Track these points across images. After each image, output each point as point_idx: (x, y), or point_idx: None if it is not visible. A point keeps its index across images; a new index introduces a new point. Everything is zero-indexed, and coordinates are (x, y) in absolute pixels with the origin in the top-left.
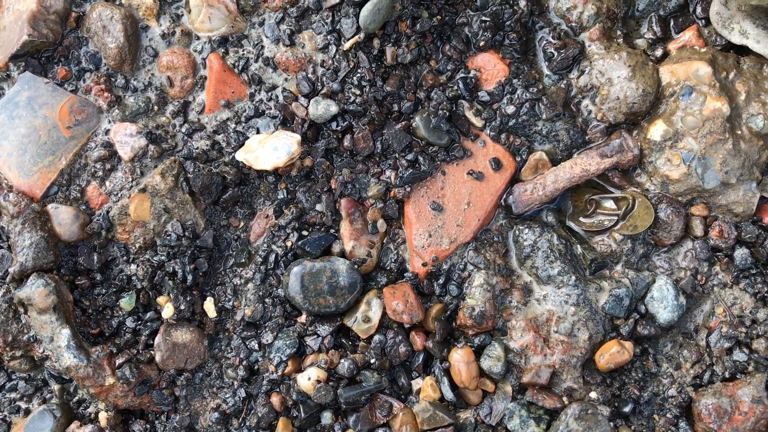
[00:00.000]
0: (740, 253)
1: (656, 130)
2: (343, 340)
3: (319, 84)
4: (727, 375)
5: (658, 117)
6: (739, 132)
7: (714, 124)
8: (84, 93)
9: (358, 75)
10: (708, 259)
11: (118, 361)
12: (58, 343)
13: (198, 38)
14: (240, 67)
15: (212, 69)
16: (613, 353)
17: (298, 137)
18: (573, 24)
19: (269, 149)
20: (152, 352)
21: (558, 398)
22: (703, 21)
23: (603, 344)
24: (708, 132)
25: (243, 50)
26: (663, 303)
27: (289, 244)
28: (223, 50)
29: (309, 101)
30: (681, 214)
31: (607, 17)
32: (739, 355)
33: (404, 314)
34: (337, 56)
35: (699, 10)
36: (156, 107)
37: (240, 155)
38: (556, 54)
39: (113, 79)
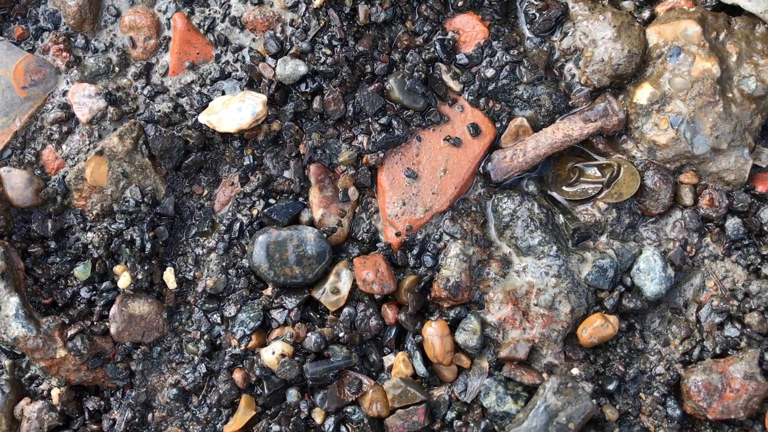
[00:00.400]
0: (732, 223)
1: (643, 94)
2: (311, 314)
3: (287, 44)
4: (718, 351)
5: (644, 80)
6: (730, 95)
7: (703, 85)
8: (42, 53)
9: (329, 34)
10: (698, 229)
11: (70, 333)
12: (5, 312)
13: None
14: (206, 28)
15: (176, 29)
16: (596, 327)
17: (263, 98)
18: None
19: (233, 110)
20: (107, 323)
21: (537, 374)
22: None
23: (586, 318)
24: (697, 94)
25: (209, 10)
26: (650, 275)
27: (254, 212)
28: (188, 10)
29: (277, 61)
30: (669, 182)
31: None
32: (731, 330)
33: (375, 284)
34: (307, 14)
35: None
36: (117, 69)
37: (203, 117)
38: (538, 15)
39: (73, 39)
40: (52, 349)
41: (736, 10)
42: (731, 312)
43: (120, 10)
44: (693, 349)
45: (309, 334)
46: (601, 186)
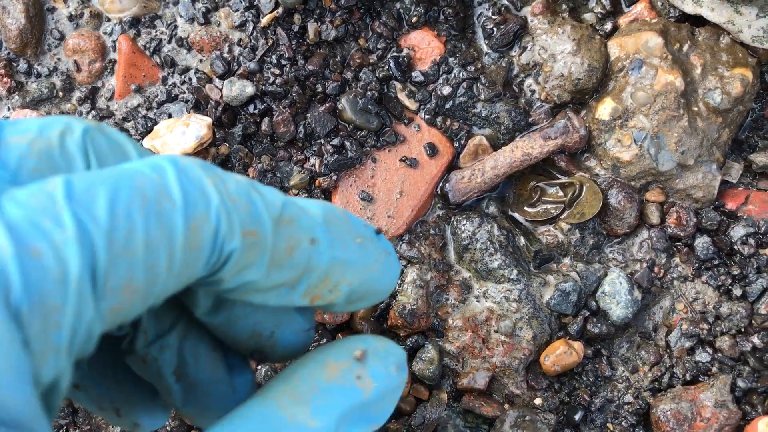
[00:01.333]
0: (701, 242)
1: (605, 109)
2: None
3: (235, 64)
4: (688, 377)
5: (606, 94)
6: (696, 108)
7: (667, 99)
8: None
9: (278, 53)
10: (666, 249)
11: None
12: None
13: (108, 20)
14: (152, 49)
15: (121, 51)
16: (559, 354)
17: (208, 120)
18: None
19: (177, 134)
20: None
21: (498, 405)
22: None
23: (549, 344)
24: (660, 108)
25: (155, 31)
26: (615, 298)
27: None
28: (134, 32)
29: (224, 83)
30: (634, 200)
31: None
32: (702, 355)
33: (326, 313)
34: (255, 33)
35: None
36: (61, 93)
37: (147, 142)
38: (495, 30)
39: (15, 64)
40: None
41: (700, 21)
42: (702, 336)
43: (64, 33)
44: (663, 376)
45: None
46: (563, 206)
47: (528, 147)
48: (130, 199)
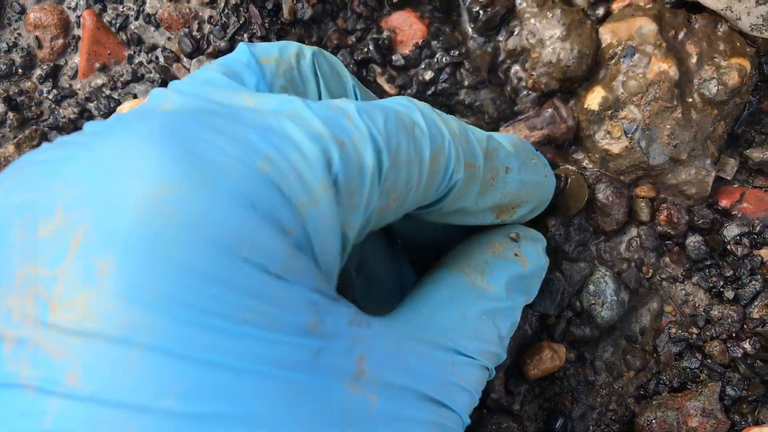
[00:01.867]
0: (693, 241)
1: (594, 98)
2: None
3: (204, 42)
4: (675, 384)
5: (596, 83)
6: (690, 99)
7: (660, 89)
8: None
9: (250, 32)
10: (655, 248)
11: None
12: None
13: None
14: (118, 26)
15: (86, 27)
16: (541, 357)
17: None
18: None
19: None
20: None
21: (476, 409)
22: None
23: (530, 347)
24: (653, 98)
25: (122, 6)
26: (601, 299)
27: None
28: (99, 7)
29: (192, 62)
30: (624, 196)
31: None
32: (691, 361)
33: None
34: (226, 11)
35: None
36: (21, 70)
37: None
38: (482, 13)
39: None
40: None
41: (697, 8)
42: (691, 341)
43: (25, 6)
44: (648, 382)
45: None
46: None
47: None
48: (397, 123)
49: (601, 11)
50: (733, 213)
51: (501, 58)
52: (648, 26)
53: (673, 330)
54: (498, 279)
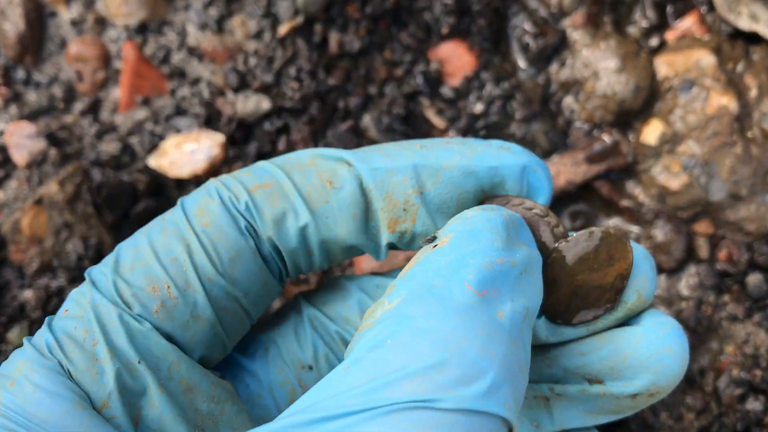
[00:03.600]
0: (753, 279)
1: (651, 132)
2: None
3: (250, 76)
4: (738, 428)
5: (653, 116)
6: (750, 134)
7: (720, 124)
8: None
9: (297, 66)
10: (714, 286)
11: None
12: None
13: (114, 26)
14: (160, 58)
15: (127, 60)
16: None
17: (221, 138)
18: (553, 9)
19: (187, 153)
20: None
21: None
22: (707, 6)
23: None
24: (713, 134)
25: (164, 38)
26: None
27: None
28: (141, 39)
29: (238, 96)
30: (682, 233)
31: (593, 1)
32: (754, 404)
33: None
34: (272, 44)
35: None
36: (62, 104)
37: (153, 161)
38: (532, 43)
39: (12, 72)
40: None
41: (754, 39)
42: (753, 382)
43: (66, 39)
44: (710, 426)
45: None
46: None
47: (571, 173)
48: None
49: (655, 41)
50: None
51: (552, 89)
52: (706, 59)
53: (735, 371)
54: None
